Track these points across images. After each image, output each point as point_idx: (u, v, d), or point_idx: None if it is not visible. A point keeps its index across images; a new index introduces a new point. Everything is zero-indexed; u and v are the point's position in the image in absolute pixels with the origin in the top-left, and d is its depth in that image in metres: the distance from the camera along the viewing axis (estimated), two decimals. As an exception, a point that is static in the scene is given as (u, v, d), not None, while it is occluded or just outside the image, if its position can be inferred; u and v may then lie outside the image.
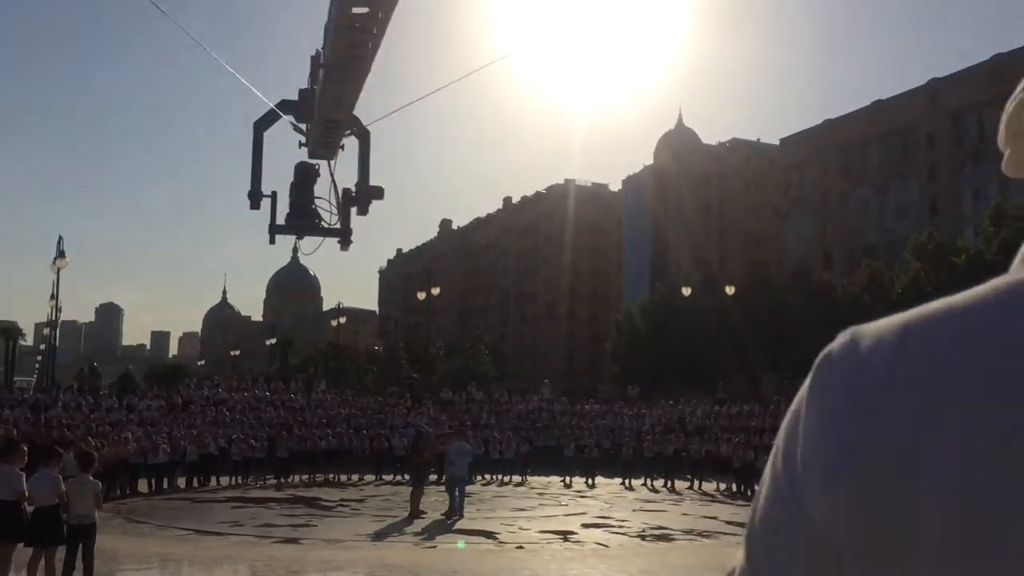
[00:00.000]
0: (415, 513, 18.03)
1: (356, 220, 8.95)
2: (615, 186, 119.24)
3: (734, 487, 25.69)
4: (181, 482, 24.49)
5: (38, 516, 8.70)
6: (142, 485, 22.73)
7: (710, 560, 13.07)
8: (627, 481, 27.33)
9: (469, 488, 25.66)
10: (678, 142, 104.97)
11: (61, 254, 37.40)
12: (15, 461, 8.95)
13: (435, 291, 43.63)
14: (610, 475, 28.61)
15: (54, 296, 44.05)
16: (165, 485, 23.55)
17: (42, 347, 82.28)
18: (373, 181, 8.97)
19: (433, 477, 21.11)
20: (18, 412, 27.67)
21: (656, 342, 62.93)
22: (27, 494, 8.64)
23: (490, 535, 15.59)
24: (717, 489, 26.12)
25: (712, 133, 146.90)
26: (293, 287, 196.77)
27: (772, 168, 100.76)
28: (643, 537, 15.84)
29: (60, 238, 37.48)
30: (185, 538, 14.79)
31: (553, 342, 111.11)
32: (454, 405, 36.22)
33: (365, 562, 12.73)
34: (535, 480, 28.26)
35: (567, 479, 28.22)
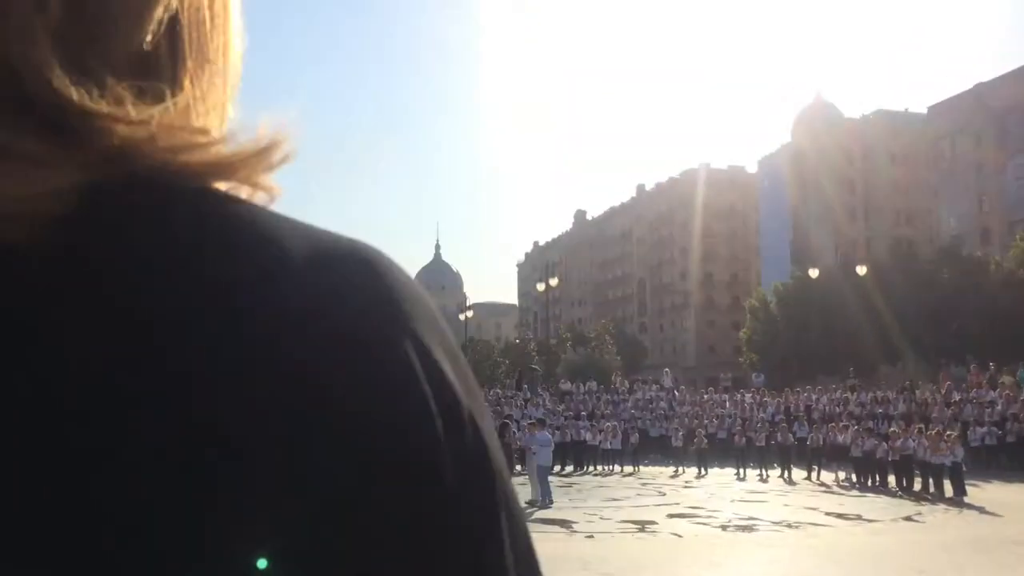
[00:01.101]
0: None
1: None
2: (752, 168, 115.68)
3: (853, 477, 24.43)
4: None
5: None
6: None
7: (779, 551, 12.50)
8: (740, 471, 26.50)
9: (574, 478, 25.87)
10: (817, 117, 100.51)
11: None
12: None
13: (553, 282, 43.63)
14: (724, 465, 27.95)
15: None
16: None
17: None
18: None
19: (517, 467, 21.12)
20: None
21: (793, 328, 60.68)
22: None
23: (565, 524, 15.46)
24: (836, 480, 24.94)
25: (853, 106, 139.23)
26: (437, 283, 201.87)
27: (921, 139, 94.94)
28: (724, 528, 15.30)
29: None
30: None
31: (692, 331, 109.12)
32: (571, 396, 36.19)
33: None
34: (648, 471, 27.86)
35: (678, 469, 27.71)
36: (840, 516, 17.23)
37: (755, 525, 15.69)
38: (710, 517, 16.70)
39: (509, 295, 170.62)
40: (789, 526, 15.65)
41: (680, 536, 14.34)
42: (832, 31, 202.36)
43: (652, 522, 15.84)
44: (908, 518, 17.16)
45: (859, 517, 17.06)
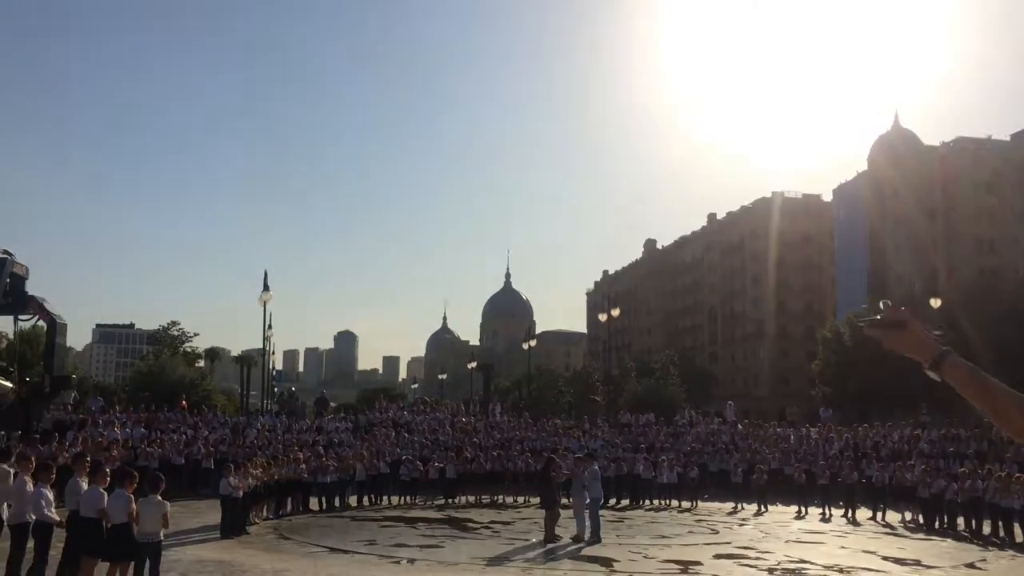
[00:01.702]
0: (550, 538, 17.96)
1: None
2: (827, 196, 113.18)
3: (920, 519, 23.42)
4: (353, 500, 25.87)
5: (113, 533, 9.52)
6: (313, 503, 24.15)
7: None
8: (802, 509, 25.68)
9: (627, 512, 25.41)
10: (895, 145, 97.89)
11: (266, 288, 40.69)
12: (98, 481, 9.87)
13: (615, 312, 43.26)
14: (788, 503, 27.14)
15: (270, 326, 48.03)
16: (337, 503, 24.90)
17: (274, 371, 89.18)
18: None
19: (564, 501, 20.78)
20: (220, 433, 30.31)
21: (867, 361, 58.74)
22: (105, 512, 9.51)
23: (606, 562, 15.17)
24: (902, 521, 23.95)
25: (933, 133, 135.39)
26: (507, 311, 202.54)
27: (1006, 167, 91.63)
28: (771, 572, 14.80)
29: (265, 273, 40.81)
30: (314, 555, 15.54)
31: (764, 361, 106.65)
32: (631, 428, 35.69)
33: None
34: (705, 507, 27.23)
35: (737, 506, 27.00)
36: (898, 561, 16.52)
37: (804, 569, 15.16)
38: (759, 559, 16.19)
39: (579, 324, 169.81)
40: (841, 571, 15.06)
41: (723, 579, 13.93)
42: (909, 60, 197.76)
43: (697, 563, 15.43)
44: (971, 565, 16.35)
45: (918, 563, 16.33)
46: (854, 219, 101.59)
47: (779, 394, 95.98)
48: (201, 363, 74.91)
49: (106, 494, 9.73)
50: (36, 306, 26.34)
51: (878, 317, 2.10)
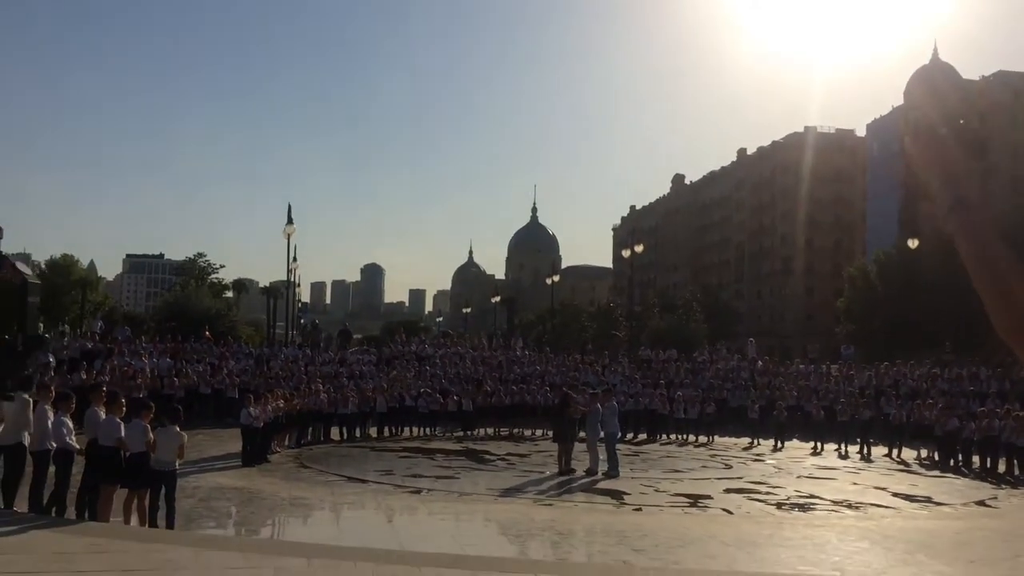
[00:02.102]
0: (564, 470, 18.22)
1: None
2: (860, 132, 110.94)
3: (936, 457, 23.48)
4: (374, 431, 26.35)
5: (131, 461, 9.80)
6: (335, 433, 24.63)
7: (826, 533, 12.15)
8: (818, 446, 25.82)
9: (644, 447, 25.68)
10: (934, 78, 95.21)
11: (290, 221, 40.83)
12: (115, 411, 10.13)
13: (638, 248, 43.05)
14: (805, 439, 27.31)
15: (295, 259, 48.37)
16: (357, 434, 25.37)
17: (300, 303, 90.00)
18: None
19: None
20: (244, 363, 30.83)
21: (893, 299, 58.26)
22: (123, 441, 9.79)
23: (617, 495, 15.41)
24: (917, 458, 24.04)
25: (973, 66, 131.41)
26: (532, 246, 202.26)
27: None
28: (779, 506, 14.97)
29: (289, 206, 40.92)
30: (332, 484, 15.92)
31: (790, 299, 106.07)
32: (650, 364, 35.82)
33: (460, 513, 13.12)
34: (723, 442, 27.45)
35: (754, 442, 27.20)
36: (908, 498, 16.62)
37: (813, 504, 15.31)
38: (769, 494, 16.36)
39: (605, 259, 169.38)
40: (849, 506, 15.21)
41: (730, 513, 14.10)
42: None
43: (707, 496, 15.62)
44: (981, 503, 16.43)
45: (928, 500, 16.43)
46: (888, 155, 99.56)
47: (805, 332, 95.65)
48: (229, 294, 76.03)
49: (123, 424, 9.99)
50: (9, 266, 26.74)
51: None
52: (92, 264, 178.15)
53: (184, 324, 38.43)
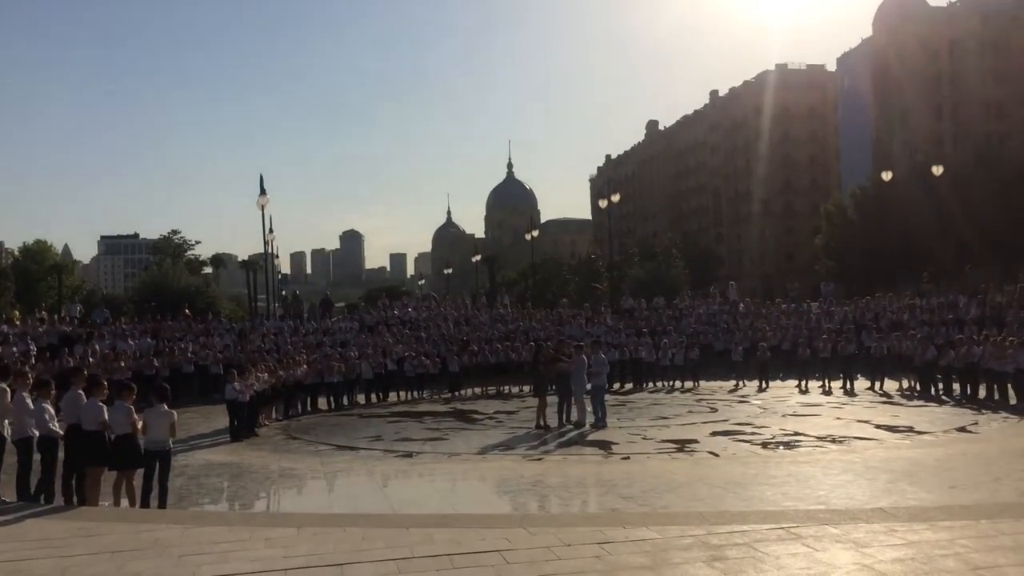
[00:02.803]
0: (539, 425, 18.31)
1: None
2: (831, 66, 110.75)
3: (917, 387, 23.85)
4: (361, 398, 26.42)
5: (117, 443, 9.77)
6: (322, 403, 24.67)
7: (810, 468, 12.35)
8: (803, 383, 26.13)
9: (631, 396, 25.90)
10: (901, 7, 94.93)
11: (263, 191, 40.41)
12: (98, 394, 10.07)
13: (615, 198, 42.98)
14: (788, 378, 27.65)
15: (271, 230, 48.02)
16: (345, 402, 25.42)
17: (280, 274, 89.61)
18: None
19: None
20: (227, 339, 30.72)
21: (870, 234, 58.71)
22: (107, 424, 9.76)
23: (605, 445, 15.55)
24: (899, 389, 24.40)
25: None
26: (510, 202, 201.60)
27: (1014, 25, 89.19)
28: (765, 445, 15.18)
29: (261, 177, 40.45)
30: (321, 453, 15.97)
31: (770, 240, 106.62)
32: (634, 313, 36.00)
33: (450, 474, 13.22)
34: (708, 386, 27.74)
35: (738, 384, 27.51)
36: (891, 429, 16.89)
37: (798, 441, 15.52)
38: (754, 434, 16.58)
39: (584, 211, 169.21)
40: (833, 441, 15.43)
41: (716, 455, 14.27)
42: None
43: (693, 441, 15.80)
44: (962, 429, 16.72)
45: (910, 429, 16.69)
46: (858, 88, 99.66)
47: (785, 272, 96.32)
48: (209, 270, 75.52)
49: (105, 407, 9.94)
50: None
51: None
52: (66, 248, 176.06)
53: (163, 303, 38.20)
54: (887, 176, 47.29)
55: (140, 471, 9.99)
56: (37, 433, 10.25)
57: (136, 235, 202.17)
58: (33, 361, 23.08)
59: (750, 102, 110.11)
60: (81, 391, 10.40)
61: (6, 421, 10.46)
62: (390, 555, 6.32)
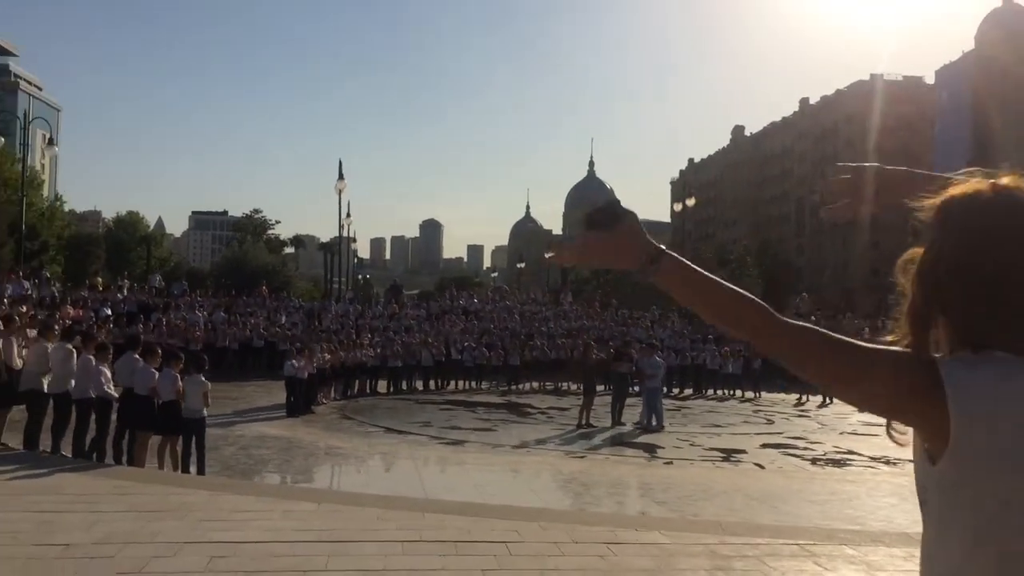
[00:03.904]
0: (580, 424, 18.29)
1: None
2: (929, 79, 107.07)
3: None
4: (420, 384, 26.78)
5: (163, 408, 10.18)
6: (382, 386, 25.11)
7: (855, 488, 12.06)
8: (867, 402, 25.41)
9: (689, 402, 25.65)
10: (1007, 21, 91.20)
11: (341, 176, 41.27)
12: (151, 361, 10.50)
13: (690, 202, 42.49)
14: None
15: (348, 214, 49.02)
16: (404, 387, 25.82)
17: (355, 259, 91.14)
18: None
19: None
20: (296, 317, 31.50)
21: (959, 252, 56.58)
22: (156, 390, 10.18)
23: (651, 448, 15.46)
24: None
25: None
26: (589, 200, 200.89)
27: None
28: (814, 461, 14.86)
29: (340, 162, 41.33)
30: (370, 434, 16.29)
31: (854, 253, 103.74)
32: (699, 317, 35.47)
33: (489, 465, 13.31)
34: (770, 397, 27.28)
35: (802, 397, 26.95)
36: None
37: (850, 460, 15.16)
38: (806, 449, 16.25)
39: (664, 213, 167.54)
40: (887, 463, 15.00)
41: (762, 467, 14.04)
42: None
43: (741, 451, 15.58)
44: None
45: (971, 457, 16.11)
46: (958, 102, 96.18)
47: (869, 286, 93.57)
48: (290, 250, 77.45)
49: (157, 373, 10.36)
50: None
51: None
52: (160, 221, 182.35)
53: (240, 279, 39.34)
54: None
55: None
56: (95, 395, 10.75)
57: (225, 212, 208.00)
58: (111, 326, 24.07)
59: (842, 111, 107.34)
60: (137, 356, 10.87)
61: (71, 381, 11.00)
62: (399, 536, 6.44)
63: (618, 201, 1.57)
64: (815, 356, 1.35)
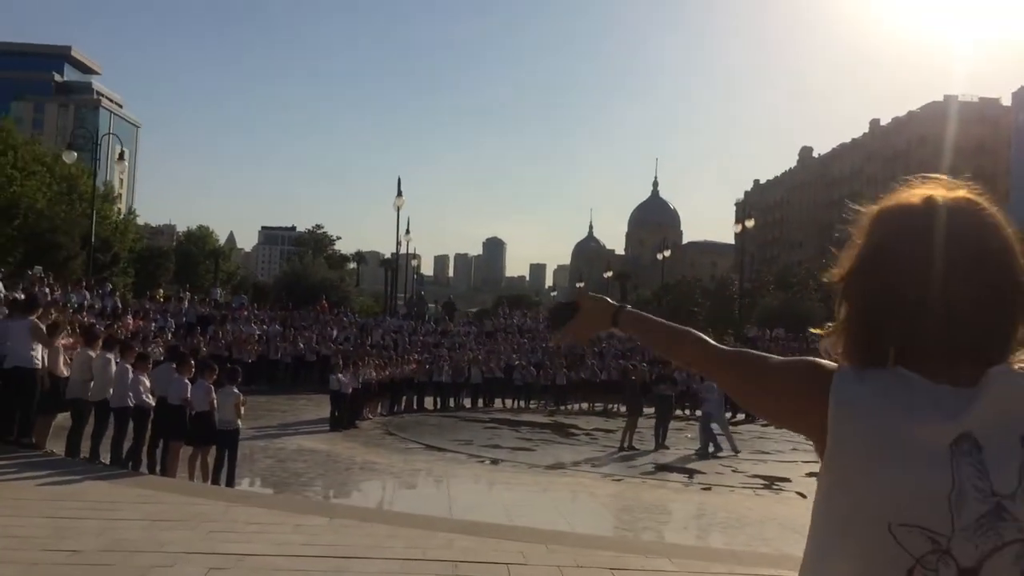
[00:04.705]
0: (623, 446, 18.09)
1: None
2: (1006, 100, 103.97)
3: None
4: (468, 402, 26.80)
5: (195, 420, 10.37)
6: (428, 402, 25.20)
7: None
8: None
9: (742, 427, 25.12)
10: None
11: (399, 194, 41.80)
12: (184, 372, 10.71)
13: (749, 223, 41.87)
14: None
15: (407, 231, 49.63)
16: (451, 404, 25.88)
17: (416, 275, 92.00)
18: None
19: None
20: (349, 332, 31.89)
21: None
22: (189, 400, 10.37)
23: (691, 473, 15.20)
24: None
25: None
26: (653, 221, 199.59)
27: None
28: (859, 492, 14.40)
29: (399, 179, 41.89)
30: (409, 451, 16.35)
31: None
32: (755, 343, 34.91)
33: (522, 485, 13.21)
34: (825, 424, 26.56)
35: (857, 425, 26.21)
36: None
37: (897, 492, 14.65)
38: (853, 479, 15.75)
39: (729, 235, 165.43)
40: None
41: (804, 496, 13.64)
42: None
43: (785, 479, 15.19)
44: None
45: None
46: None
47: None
48: (353, 265, 78.66)
49: (190, 384, 10.57)
50: None
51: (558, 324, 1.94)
52: (231, 236, 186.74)
53: (299, 293, 40.03)
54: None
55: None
56: (133, 403, 11.00)
57: (293, 227, 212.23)
58: (169, 337, 24.67)
59: (914, 132, 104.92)
60: (177, 369, 11.11)
61: (110, 389, 11.27)
62: (403, 554, 6.42)
63: (565, 300, 1.93)
64: (732, 377, 1.48)
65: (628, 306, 1.81)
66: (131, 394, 10.95)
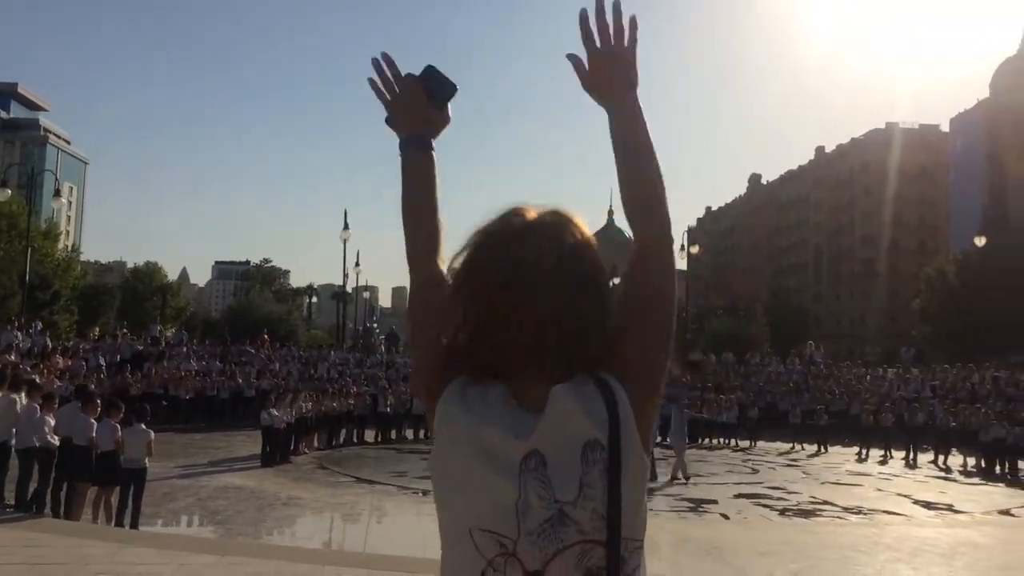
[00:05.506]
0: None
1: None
2: (945, 127, 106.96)
3: (982, 463, 22.49)
4: (410, 433, 26.59)
5: (100, 459, 10.20)
6: (369, 435, 24.97)
7: (813, 538, 11.80)
8: (862, 452, 25.01)
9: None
10: (1018, 71, 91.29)
11: (346, 226, 41.69)
12: (89, 411, 10.55)
13: (694, 250, 42.43)
14: (852, 444, 26.45)
15: (356, 263, 49.47)
16: (393, 436, 25.67)
17: (369, 307, 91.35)
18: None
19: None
20: (292, 366, 31.56)
21: (973, 300, 55.89)
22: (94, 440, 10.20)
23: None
24: (963, 465, 23.05)
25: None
26: (608, 249, 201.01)
27: None
28: (783, 512, 14.59)
29: (345, 212, 41.86)
30: (339, 484, 16.18)
31: (872, 302, 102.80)
32: (699, 367, 35.23)
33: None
34: (765, 446, 26.86)
35: (794, 446, 26.54)
36: (928, 506, 16.00)
37: (821, 510, 14.88)
38: (780, 499, 15.96)
39: (680, 261, 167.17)
40: (859, 513, 14.72)
41: (727, 518, 13.82)
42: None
43: (712, 501, 15.33)
44: (1005, 511, 15.70)
45: (949, 508, 15.77)
46: (972, 150, 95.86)
47: (886, 335, 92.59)
48: (308, 299, 78.09)
49: (95, 423, 10.40)
50: None
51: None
52: (184, 271, 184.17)
53: (245, 328, 39.59)
54: (980, 242, 45.17)
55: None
56: (38, 444, 10.80)
57: (247, 261, 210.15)
58: (102, 376, 24.22)
59: (857, 159, 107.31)
60: (85, 409, 10.92)
61: (13, 430, 11.06)
62: (283, 589, 6.38)
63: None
64: (421, 296, 1.56)
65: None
66: (35, 436, 10.76)
